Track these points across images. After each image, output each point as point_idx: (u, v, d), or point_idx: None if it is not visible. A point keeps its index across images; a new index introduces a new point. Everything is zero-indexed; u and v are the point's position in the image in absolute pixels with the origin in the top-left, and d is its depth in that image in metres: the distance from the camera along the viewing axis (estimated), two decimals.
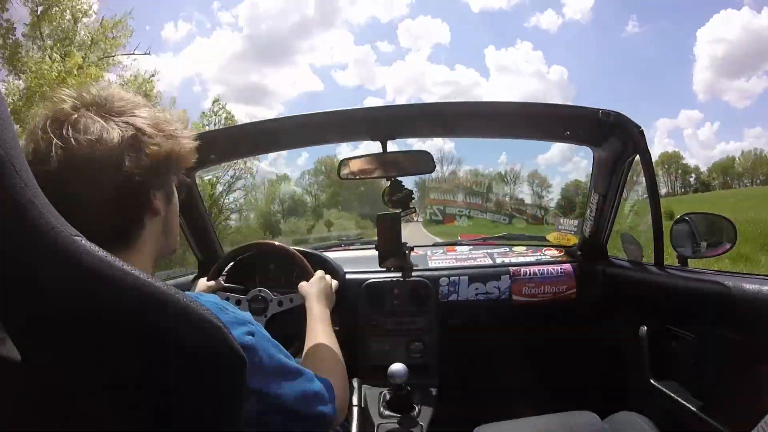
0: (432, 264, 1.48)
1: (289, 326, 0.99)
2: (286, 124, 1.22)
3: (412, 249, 1.34)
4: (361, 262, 1.43)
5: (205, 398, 0.42)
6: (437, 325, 1.32)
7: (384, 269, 1.33)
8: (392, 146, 1.20)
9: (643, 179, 1.11)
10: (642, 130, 1.08)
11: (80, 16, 10.77)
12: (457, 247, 1.62)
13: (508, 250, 1.57)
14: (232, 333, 0.43)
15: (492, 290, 1.36)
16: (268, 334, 0.56)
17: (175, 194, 0.60)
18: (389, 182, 1.22)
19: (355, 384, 1.20)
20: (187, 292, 0.43)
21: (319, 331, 0.85)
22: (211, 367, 0.41)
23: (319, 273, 1.05)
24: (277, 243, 1.20)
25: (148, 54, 12.21)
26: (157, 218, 0.55)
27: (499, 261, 1.48)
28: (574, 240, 1.49)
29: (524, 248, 1.57)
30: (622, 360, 1.25)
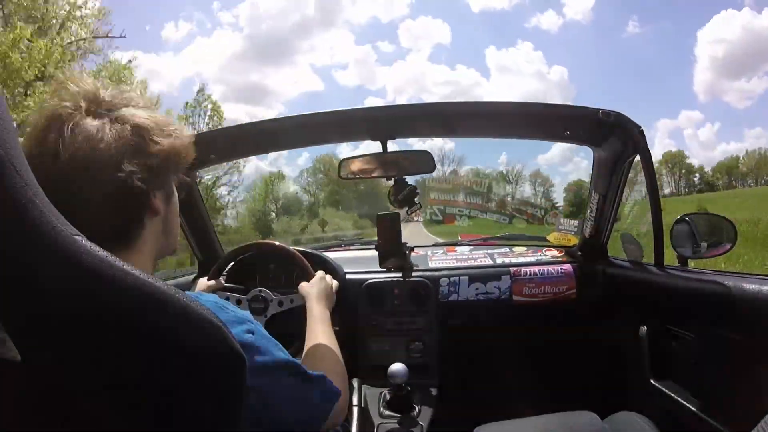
0: (432, 264, 1.48)
1: (289, 326, 0.99)
2: (286, 124, 1.22)
3: (412, 249, 1.34)
4: (361, 262, 1.43)
5: (205, 398, 0.42)
6: (437, 325, 1.32)
7: (384, 269, 1.33)
8: (392, 146, 1.20)
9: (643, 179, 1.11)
10: (642, 130, 1.08)
11: None
12: (457, 248, 1.62)
13: (508, 250, 1.57)
14: (232, 331, 0.43)
15: (492, 290, 1.36)
16: (267, 333, 0.56)
17: (175, 194, 0.60)
18: (393, 183, 1.22)
19: (355, 384, 1.20)
20: (186, 292, 0.43)
21: (319, 332, 0.85)
22: (211, 366, 0.41)
23: (320, 273, 1.05)
24: (277, 243, 1.20)
25: (124, 37, 12.17)
26: (157, 218, 0.55)
27: (499, 261, 1.48)
28: (574, 240, 1.49)
29: (524, 248, 1.57)
30: (622, 360, 1.25)
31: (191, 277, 1.46)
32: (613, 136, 1.13)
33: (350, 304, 1.28)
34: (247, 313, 0.55)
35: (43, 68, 9.54)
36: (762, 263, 7.26)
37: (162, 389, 0.40)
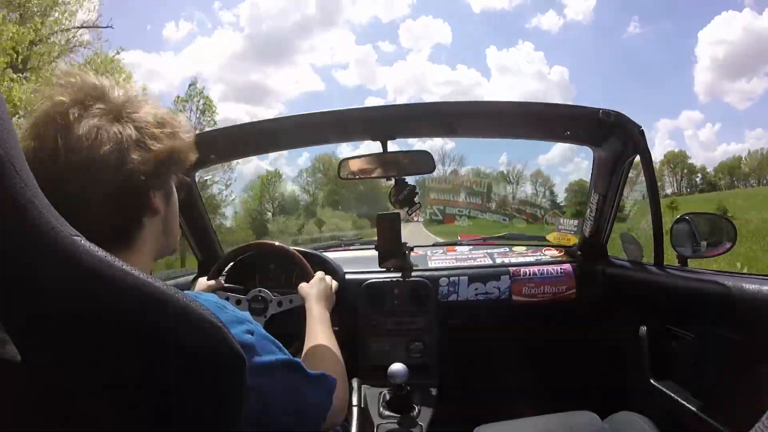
0: (432, 264, 1.48)
1: (289, 327, 0.99)
2: (286, 124, 1.22)
3: (412, 249, 1.34)
4: (360, 263, 1.43)
5: (205, 398, 0.42)
6: (437, 325, 1.32)
7: (384, 269, 1.33)
8: (392, 146, 1.19)
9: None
10: (642, 130, 1.08)
11: None
12: (457, 247, 1.62)
13: (508, 250, 1.57)
14: (232, 331, 0.43)
15: (492, 290, 1.36)
16: (266, 333, 0.56)
17: (175, 194, 0.59)
18: (393, 183, 1.22)
19: (355, 384, 1.20)
20: (186, 292, 0.43)
21: (319, 332, 0.85)
22: (211, 366, 0.41)
23: (320, 274, 1.05)
24: (277, 243, 1.20)
25: (111, 27, 12.08)
26: (157, 218, 0.55)
27: (499, 261, 1.48)
28: (574, 240, 1.49)
29: (524, 248, 1.57)
30: (622, 360, 1.25)
31: (191, 277, 1.45)
32: (613, 136, 1.13)
33: (350, 304, 1.28)
34: (247, 314, 0.55)
35: (15, 54, 9.11)
36: None
37: (162, 389, 0.40)
